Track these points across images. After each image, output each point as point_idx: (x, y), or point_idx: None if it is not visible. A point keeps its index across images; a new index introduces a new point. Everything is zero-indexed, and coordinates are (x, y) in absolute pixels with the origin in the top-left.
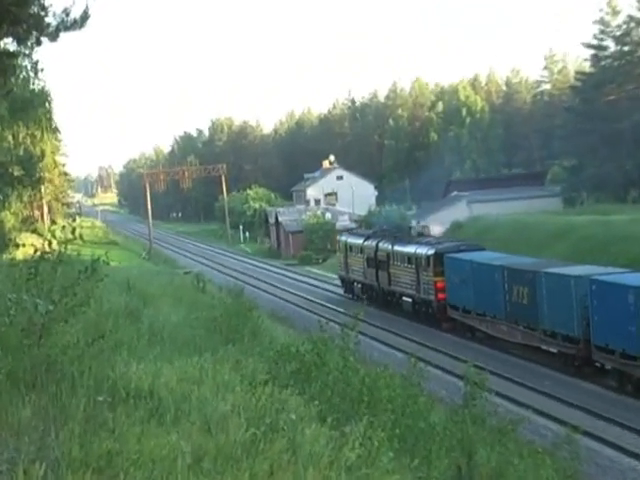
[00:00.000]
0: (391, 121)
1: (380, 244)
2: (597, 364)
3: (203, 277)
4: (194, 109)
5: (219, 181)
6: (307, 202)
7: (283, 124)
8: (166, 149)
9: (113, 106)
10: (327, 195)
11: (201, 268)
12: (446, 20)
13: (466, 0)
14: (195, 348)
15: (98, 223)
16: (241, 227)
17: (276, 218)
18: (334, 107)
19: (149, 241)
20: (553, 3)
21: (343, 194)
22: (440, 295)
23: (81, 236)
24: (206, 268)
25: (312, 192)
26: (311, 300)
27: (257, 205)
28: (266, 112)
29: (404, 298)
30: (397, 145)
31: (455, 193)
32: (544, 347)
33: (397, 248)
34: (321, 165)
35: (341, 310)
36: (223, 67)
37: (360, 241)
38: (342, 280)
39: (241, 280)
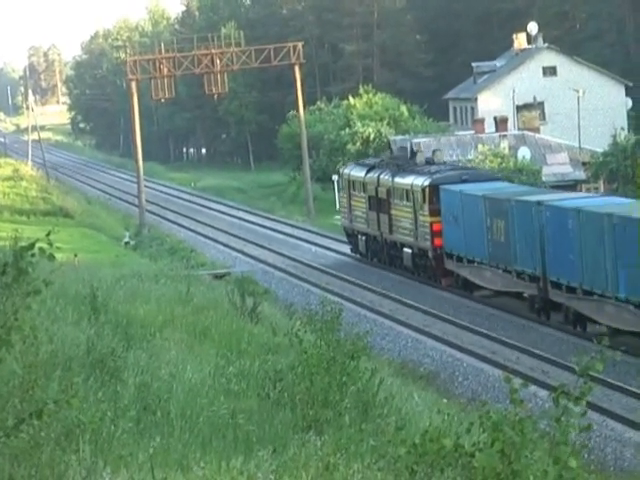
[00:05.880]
0: None
1: (381, 177)
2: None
3: (254, 286)
4: None
5: (289, 79)
6: (479, 123)
7: None
8: (174, 9)
9: None
10: (522, 108)
11: (249, 266)
12: None
13: None
14: (238, 439)
15: (28, 169)
16: (336, 178)
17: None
18: None
19: (138, 210)
20: None
21: (557, 106)
22: (437, 241)
23: None
24: (261, 267)
25: (489, 102)
26: (485, 337)
27: (370, 130)
28: None
29: (404, 249)
30: None
31: None
32: (525, 293)
33: (397, 180)
34: (510, 44)
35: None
36: None
37: (362, 174)
38: (347, 234)
39: (337, 293)
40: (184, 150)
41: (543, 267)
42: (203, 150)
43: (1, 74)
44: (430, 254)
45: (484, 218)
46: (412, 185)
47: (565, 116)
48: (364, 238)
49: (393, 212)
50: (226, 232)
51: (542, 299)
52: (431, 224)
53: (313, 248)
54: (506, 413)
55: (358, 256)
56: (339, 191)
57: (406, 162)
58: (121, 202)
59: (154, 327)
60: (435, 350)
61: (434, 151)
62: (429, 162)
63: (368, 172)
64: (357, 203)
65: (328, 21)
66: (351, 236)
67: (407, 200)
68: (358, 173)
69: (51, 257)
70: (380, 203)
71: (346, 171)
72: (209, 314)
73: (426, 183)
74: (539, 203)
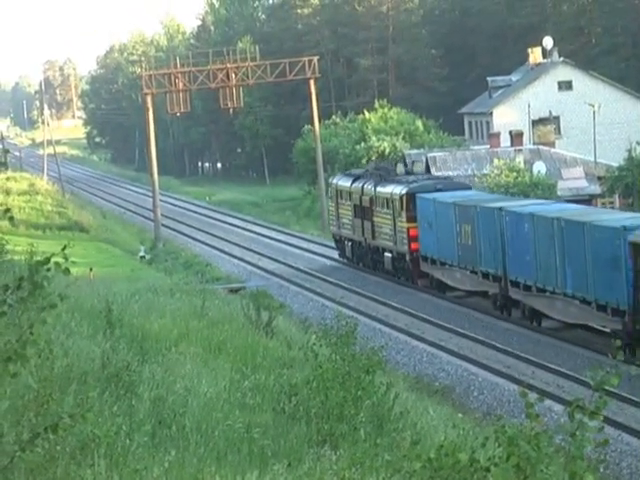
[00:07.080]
0: None
1: (365, 186)
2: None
3: (269, 300)
4: None
5: (304, 94)
6: (494, 138)
7: None
8: (189, 24)
9: None
10: (537, 123)
11: (264, 280)
12: None
13: None
14: (253, 453)
15: (44, 183)
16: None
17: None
18: None
19: (154, 224)
20: None
21: (573, 120)
22: (413, 245)
23: (8, 212)
24: (276, 281)
25: (505, 116)
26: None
27: (385, 145)
28: None
29: (385, 254)
30: None
31: None
32: (489, 292)
33: (379, 189)
34: (525, 59)
35: None
36: None
37: (349, 184)
38: (335, 240)
39: (352, 307)
40: (199, 164)
41: (504, 267)
42: (218, 164)
43: (17, 88)
44: (407, 257)
45: (454, 223)
46: (392, 194)
47: (580, 130)
48: (350, 244)
49: (375, 219)
50: (241, 246)
51: (503, 297)
52: (408, 229)
53: (327, 262)
54: (522, 427)
55: (345, 260)
56: (329, 200)
57: (388, 173)
58: (136, 216)
59: (169, 341)
60: (450, 364)
61: (413, 162)
62: (408, 172)
63: (354, 182)
64: (344, 211)
65: (343, 35)
66: (339, 242)
67: (387, 208)
68: (345, 183)
69: (66, 271)
70: (364, 211)
71: (334, 181)
72: (224, 328)
73: (404, 192)
74: (500, 209)
